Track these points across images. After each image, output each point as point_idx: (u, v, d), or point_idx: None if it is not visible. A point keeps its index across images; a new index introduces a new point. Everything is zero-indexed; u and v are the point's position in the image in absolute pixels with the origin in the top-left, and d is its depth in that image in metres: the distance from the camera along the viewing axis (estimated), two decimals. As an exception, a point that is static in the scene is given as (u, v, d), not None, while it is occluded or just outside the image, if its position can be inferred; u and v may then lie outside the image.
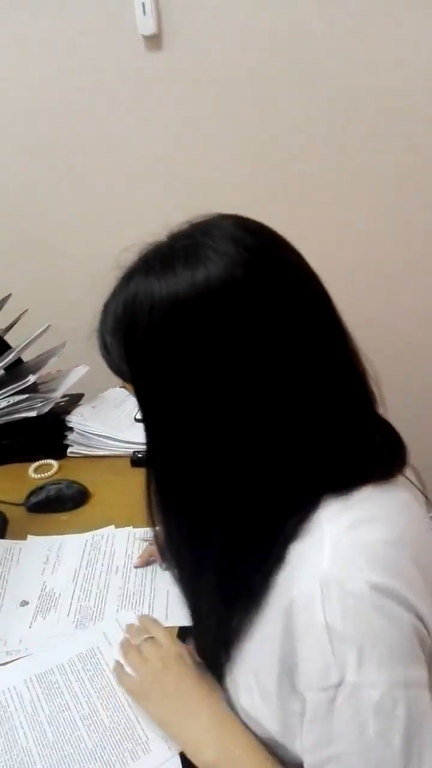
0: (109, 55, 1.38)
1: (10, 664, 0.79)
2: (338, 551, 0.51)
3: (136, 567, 0.93)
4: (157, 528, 0.65)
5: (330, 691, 0.49)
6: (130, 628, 0.79)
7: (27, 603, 0.89)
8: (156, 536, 0.67)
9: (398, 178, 1.42)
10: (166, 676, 0.68)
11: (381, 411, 0.63)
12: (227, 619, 0.59)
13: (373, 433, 0.58)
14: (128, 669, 0.73)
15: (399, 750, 0.47)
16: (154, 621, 0.79)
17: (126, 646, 0.76)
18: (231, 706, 0.64)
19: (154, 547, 0.93)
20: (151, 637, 0.75)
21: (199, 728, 0.63)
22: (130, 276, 0.56)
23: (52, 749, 0.67)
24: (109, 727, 0.68)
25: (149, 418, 0.58)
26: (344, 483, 0.55)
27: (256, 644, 0.58)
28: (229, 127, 1.41)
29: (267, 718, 0.58)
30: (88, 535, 1.00)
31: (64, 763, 0.65)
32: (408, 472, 0.61)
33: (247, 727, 0.62)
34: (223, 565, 0.58)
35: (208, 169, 1.45)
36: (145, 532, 0.99)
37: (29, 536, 1.02)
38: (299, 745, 0.54)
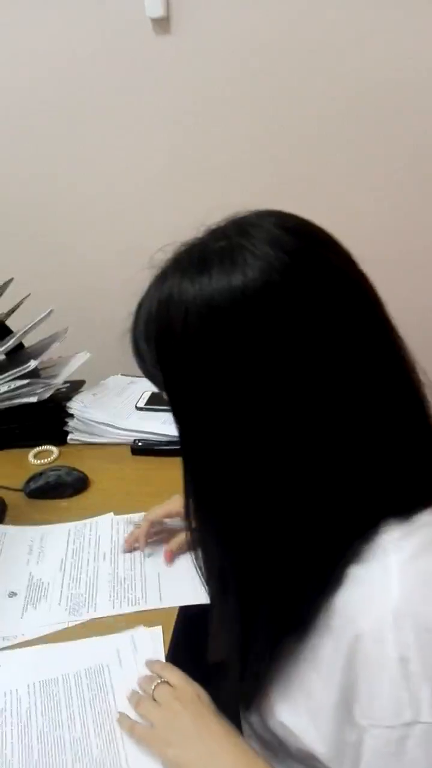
0: (116, 38, 1.36)
1: (18, 651, 0.79)
2: (408, 582, 0.49)
3: (124, 552, 0.94)
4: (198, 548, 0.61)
5: (401, 729, 0.47)
6: (140, 680, 0.72)
7: (15, 594, 0.89)
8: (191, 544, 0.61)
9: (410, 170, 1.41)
10: (185, 717, 0.65)
11: None
12: (276, 638, 0.56)
13: (429, 450, 0.54)
14: (139, 719, 0.68)
15: None
16: (165, 664, 0.74)
17: (137, 697, 0.70)
18: (256, 723, 0.63)
19: (138, 532, 0.93)
20: (165, 682, 0.70)
21: (224, 767, 0.61)
22: (163, 277, 0.52)
23: None
24: (96, 758, 0.65)
25: (184, 432, 0.54)
26: (405, 505, 0.52)
27: (308, 664, 0.55)
28: (237, 112, 1.39)
29: (315, 740, 0.55)
30: (70, 525, 1.00)
31: (41, 789, 0.63)
32: None
33: (268, 762, 0.60)
34: (275, 588, 0.54)
35: (215, 155, 1.44)
36: (131, 518, 1.00)
37: (10, 526, 1.01)
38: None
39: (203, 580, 0.62)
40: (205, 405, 0.51)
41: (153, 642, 0.77)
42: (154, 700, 0.68)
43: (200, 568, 0.61)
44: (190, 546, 0.61)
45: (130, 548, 0.94)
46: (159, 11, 1.30)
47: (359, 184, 1.44)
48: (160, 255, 0.54)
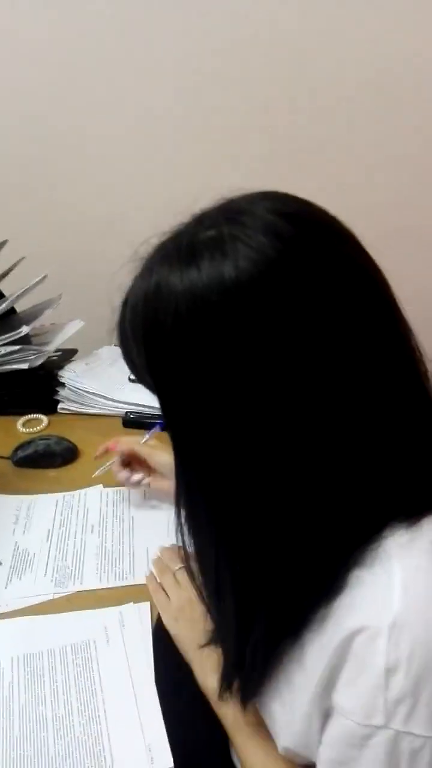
0: (136, 14, 1.31)
1: (1, 622, 0.77)
2: (410, 595, 0.47)
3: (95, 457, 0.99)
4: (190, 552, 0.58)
5: (370, 728, 0.47)
6: (166, 551, 0.85)
7: (0, 563, 0.87)
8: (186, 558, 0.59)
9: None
10: (196, 607, 0.69)
11: None
12: (275, 641, 0.55)
13: None
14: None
15: None
16: None
17: (159, 567, 0.83)
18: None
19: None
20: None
21: (213, 656, 0.64)
22: (149, 270, 0.49)
23: (13, 745, 0.64)
24: (78, 737, 0.65)
25: (178, 436, 0.51)
26: (412, 508, 0.50)
27: (295, 661, 0.55)
28: (244, 81, 1.35)
29: (290, 727, 0.56)
30: (59, 495, 0.99)
31: (21, 765, 0.62)
32: None
33: None
34: (275, 593, 0.53)
35: (218, 125, 1.40)
36: (121, 491, 0.99)
37: (6, 495, 0.99)
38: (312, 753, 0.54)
39: (199, 586, 0.59)
40: (198, 406, 0.48)
41: (141, 618, 0.76)
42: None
43: (195, 574, 0.58)
44: (183, 561, 0.60)
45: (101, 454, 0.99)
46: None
47: (370, 160, 1.41)
48: (145, 247, 0.50)
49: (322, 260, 0.46)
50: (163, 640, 0.73)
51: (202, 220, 0.49)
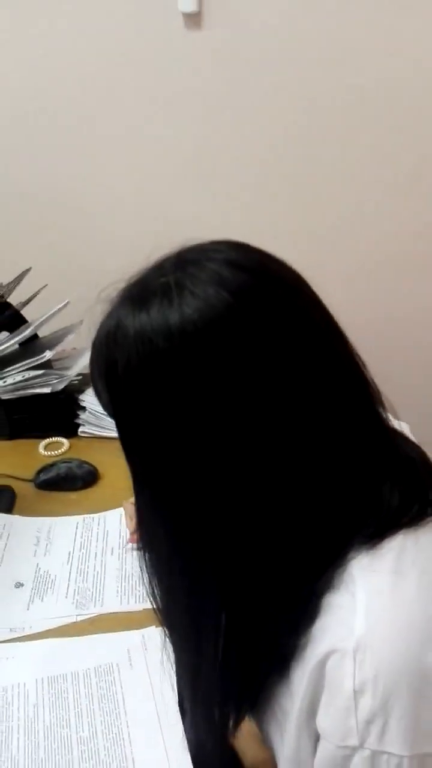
0: (147, 33, 1.35)
1: (26, 643, 0.78)
2: (372, 617, 0.49)
3: (130, 542, 0.93)
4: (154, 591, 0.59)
5: (348, 750, 0.49)
6: None
7: (22, 585, 0.89)
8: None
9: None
10: None
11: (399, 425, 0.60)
12: (255, 676, 0.56)
13: (393, 473, 0.54)
14: None
15: None
16: None
17: None
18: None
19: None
20: None
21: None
22: (109, 313, 0.51)
23: (39, 767, 0.65)
24: (103, 760, 0.65)
25: (132, 465, 0.53)
26: (373, 531, 0.52)
27: (285, 686, 0.56)
28: (269, 109, 1.38)
29: (283, 751, 0.57)
30: (79, 518, 1.00)
31: (47, 787, 0.63)
32: None
33: None
34: (248, 628, 0.54)
35: (245, 152, 1.43)
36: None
37: (17, 516, 1.01)
38: None
39: (164, 629, 0.60)
40: (150, 440, 0.50)
41: (164, 642, 0.77)
42: None
43: (159, 611, 0.59)
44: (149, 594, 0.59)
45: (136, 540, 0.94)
46: (191, 6, 1.29)
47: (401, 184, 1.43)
48: (110, 291, 0.53)
49: (268, 311, 0.48)
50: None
51: (157, 267, 0.51)
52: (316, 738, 0.52)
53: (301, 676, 0.53)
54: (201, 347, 0.47)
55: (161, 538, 0.55)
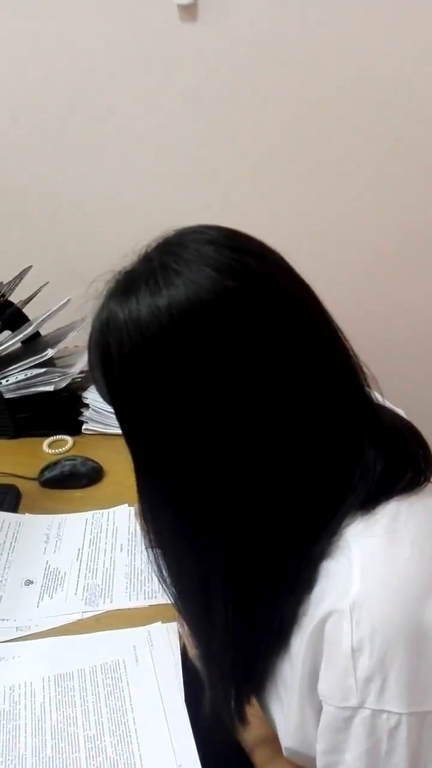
0: (142, 25, 1.34)
1: (33, 642, 0.78)
2: (368, 578, 0.50)
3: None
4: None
5: (348, 710, 0.50)
6: None
7: (32, 582, 0.89)
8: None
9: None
10: None
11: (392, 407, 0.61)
12: (255, 647, 0.58)
13: (385, 443, 0.55)
14: None
15: (405, 767, 0.49)
16: None
17: None
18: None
19: None
20: None
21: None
22: (101, 305, 0.53)
23: (47, 765, 0.64)
24: (110, 757, 0.65)
25: (133, 449, 0.54)
26: (366, 499, 0.53)
27: (285, 660, 0.57)
28: (264, 102, 1.37)
29: (287, 724, 0.58)
30: (88, 514, 1.00)
31: (53, 787, 0.63)
32: None
33: None
34: (247, 598, 0.56)
35: (241, 145, 1.42)
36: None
37: (27, 514, 1.01)
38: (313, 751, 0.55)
39: (174, 598, 0.61)
40: (148, 422, 0.52)
41: (169, 638, 0.77)
42: None
43: (166, 583, 0.61)
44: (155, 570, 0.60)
45: None
46: (186, -2, 1.28)
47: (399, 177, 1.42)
48: (99, 284, 0.54)
49: (250, 287, 0.49)
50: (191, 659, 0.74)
51: (142, 256, 0.53)
52: (319, 709, 0.53)
53: (300, 644, 0.54)
54: (189, 326, 0.48)
55: (163, 512, 0.56)
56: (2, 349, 1.20)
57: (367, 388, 0.57)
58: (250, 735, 0.67)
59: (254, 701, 0.64)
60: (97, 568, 0.91)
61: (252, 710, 0.64)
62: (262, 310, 0.49)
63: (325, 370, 0.52)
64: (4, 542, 0.95)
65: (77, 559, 0.92)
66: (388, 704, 0.49)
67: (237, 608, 0.56)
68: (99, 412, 1.21)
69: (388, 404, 0.63)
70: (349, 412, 0.54)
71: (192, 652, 0.72)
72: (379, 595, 0.49)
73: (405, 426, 0.60)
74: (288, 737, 0.59)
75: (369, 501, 0.53)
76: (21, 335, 1.20)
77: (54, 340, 1.24)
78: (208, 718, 0.64)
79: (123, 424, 0.54)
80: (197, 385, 0.49)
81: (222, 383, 0.49)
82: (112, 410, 0.55)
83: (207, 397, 0.49)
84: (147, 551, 0.60)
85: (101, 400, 1.20)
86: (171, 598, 0.62)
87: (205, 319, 0.48)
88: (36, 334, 1.25)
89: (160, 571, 0.60)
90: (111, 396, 0.53)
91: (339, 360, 0.55)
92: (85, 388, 1.26)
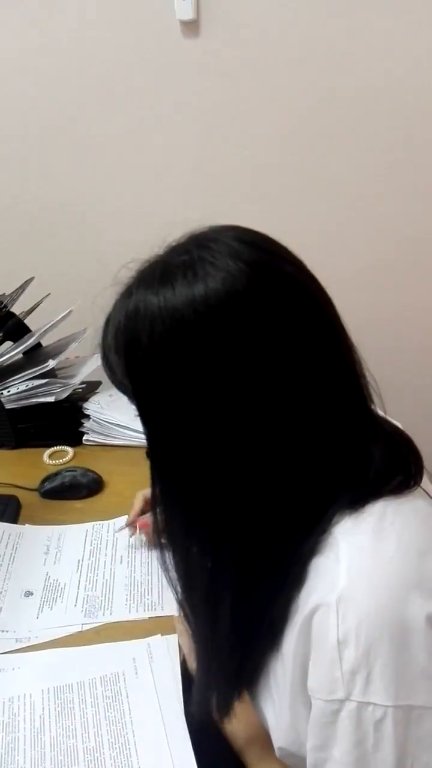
0: (145, 41, 1.36)
1: (32, 654, 0.78)
2: (354, 572, 0.52)
3: (126, 528, 0.95)
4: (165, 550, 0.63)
5: (335, 703, 0.51)
6: None
7: (31, 593, 0.89)
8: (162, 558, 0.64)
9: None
10: None
11: (384, 414, 0.63)
12: (247, 645, 0.59)
13: (378, 445, 0.58)
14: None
15: (392, 762, 0.50)
16: None
17: None
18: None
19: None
20: None
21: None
22: (129, 292, 0.55)
23: None
24: None
25: (152, 435, 0.56)
26: (355, 498, 0.55)
27: (277, 657, 0.59)
28: (266, 116, 1.38)
29: (279, 723, 0.59)
30: (88, 525, 1.00)
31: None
32: (426, 481, 0.60)
33: None
34: (240, 592, 0.58)
35: (244, 158, 1.43)
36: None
37: (27, 525, 1.01)
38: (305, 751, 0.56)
39: (175, 590, 0.63)
40: (170, 410, 0.53)
41: (169, 650, 0.77)
42: None
43: (172, 580, 0.63)
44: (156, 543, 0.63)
45: (131, 521, 0.95)
46: (189, 13, 1.29)
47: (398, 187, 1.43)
48: (124, 272, 0.56)
49: (276, 279, 0.52)
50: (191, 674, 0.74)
51: (174, 248, 0.55)
52: (309, 706, 0.54)
53: (290, 641, 0.56)
54: (225, 315, 0.50)
55: (175, 507, 0.58)
56: (4, 360, 1.20)
57: (369, 397, 0.59)
58: (240, 733, 0.67)
59: (247, 701, 0.65)
60: (96, 580, 0.90)
61: (243, 709, 0.65)
62: (287, 304, 0.52)
63: (335, 373, 0.55)
64: (4, 553, 0.94)
65: (77, 571, 0.92)
66: (373, 696, 0.50)
67: (235, 604, 0.58)
68: (100, 423, 1.21)
69: (381, 414, 0.64)
70: (352, 415, 0.56)
71: (192, 663, 0.73)
72: (365, 589, 0.51)
73: (398, 433, 0.62)
74: (280, 737, 0.60)
75: (358, 500, 0.55)
76: (22, 346, 1.20)
77: (55, 351, 1.24)
78: (197, 717, 0.65)
79: (142, 409, 0.55)
80: (219, 371, 0.51)
81: (242, 372, 0.51)
82: (124, 394, 0.57)
83: (227, 383, 0.51)
84: (157, 548, 0.63)
85: (102, 411, 1.21)
86: (174, 594, 0.63)
87: (238, 310, 0.50)
88: (37, 345, 1.26)
89: (167, 568, 0.62)
90: (132, 382, 0.54)
91: (348, 364, 0.57)
92: (86, 399, 1.26)
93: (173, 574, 0.62)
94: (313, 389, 0.53)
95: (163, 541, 0.62)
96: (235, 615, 0.58)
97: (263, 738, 0.65)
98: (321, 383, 0.54)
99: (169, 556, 0.62)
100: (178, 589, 0.63)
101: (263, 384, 0.51)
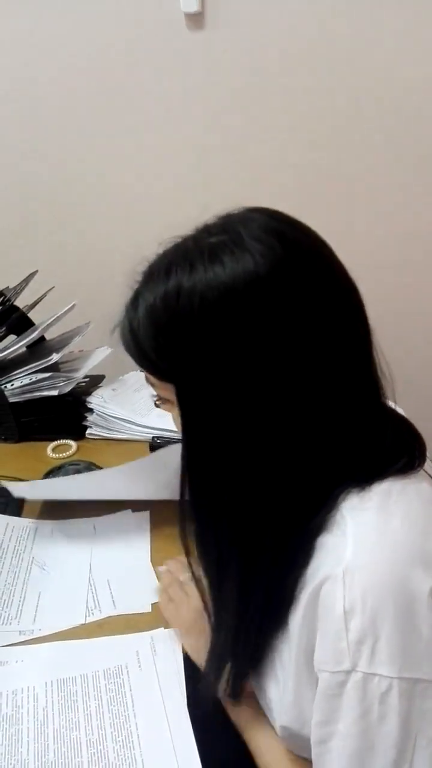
0: (150, 33, 1.35)
1: (36, 646, 0.78)
2: (360, 545, 0.53)
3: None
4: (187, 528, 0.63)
5: (341, 675, 0.51)
6: (172, 563, 0.86)
7: (36, 587, 0.88)
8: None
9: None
10: (205, 620, 0.69)
11: (393, 404, 0.65)
12: (254, 624, 0.60)
13: (386, 428, 0.60)
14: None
15: (396, 736, 0.50)
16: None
17: (168, 579, 0.83)
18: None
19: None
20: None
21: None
22: (168, 270, 0.55)
23: None
24: (112, 763, 0.65)
25: (189, 414, 0.57)
26: (364, 476, 0.57)
27: (283, 635, 0.60)
28: (271, 108, 1.38)
29: (283, 701, 0.60)
30: (95, 519, 1.00)
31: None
32: (429, 465, 0.62)
33: None
34: (248, 570, 0.58)
35: (248, 151, 1.43)
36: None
37: (31, 519, 1.01)
38: (307, 730, 0.56)
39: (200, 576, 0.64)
40: (209, 383, 0.54)
41: (172, 643, 0.77)
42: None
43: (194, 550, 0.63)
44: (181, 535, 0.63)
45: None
46: (193, 6, 1.29)
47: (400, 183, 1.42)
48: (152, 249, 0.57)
49: (313, 256, 0.55)
50: (194, 665, 0.74)
51: (208, 229, 0.56)
52: (314, 684, 0.54)
53: (296, 618, 0.56)
54: (271, 289, 0.52)
55: (210, 482, 0.58)
56: (7, 354, 1.20)
57: (378, 379, 0.61)
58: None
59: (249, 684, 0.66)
60: (101, 573, 0.90)
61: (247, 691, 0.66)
62: (321, 280, 0.54)
63: (356, 355, 0.57)
64: (8, 546, 0.95)
65: (81, 564, 0.92)
66: (379, 667, 0.50)
67: (242, 583, 0.59)
68: (103, 417, 1.21)
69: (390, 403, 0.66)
70: (367, 398, 0.58)
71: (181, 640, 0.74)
72: (371, 560, 0.52)
73: (399, 417, 0.65)
74: (282, 714, 0.60)
75: (365, 480, 0.57)
76: (26, 340, 1.20)
77: (59, 345, 1.24)
78: (206, 700, 0.66)
79: (180, 382, 0.56)
80: (263, 343, 0.52)
81: (283, 344, 0.52)
82: (153, 378, 0.58)
83: (267, 355, 0.52)
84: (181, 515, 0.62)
85: (105, 405, 1.21)
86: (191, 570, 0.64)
87: (283, 283, 0.52)
88: (41, 339, 1.26)
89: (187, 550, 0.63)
90: (172, 353, 0.55)
91: (367, 349, 0.58)
92: (89, 393, 1.26)
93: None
94: (337, 368, 0.55)
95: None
96: (242, 594, 0.59)
97: (255, 706, 0.67)
98: (344, 363, 0.55)
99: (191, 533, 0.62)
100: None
101: (299, 358, 0.53)
